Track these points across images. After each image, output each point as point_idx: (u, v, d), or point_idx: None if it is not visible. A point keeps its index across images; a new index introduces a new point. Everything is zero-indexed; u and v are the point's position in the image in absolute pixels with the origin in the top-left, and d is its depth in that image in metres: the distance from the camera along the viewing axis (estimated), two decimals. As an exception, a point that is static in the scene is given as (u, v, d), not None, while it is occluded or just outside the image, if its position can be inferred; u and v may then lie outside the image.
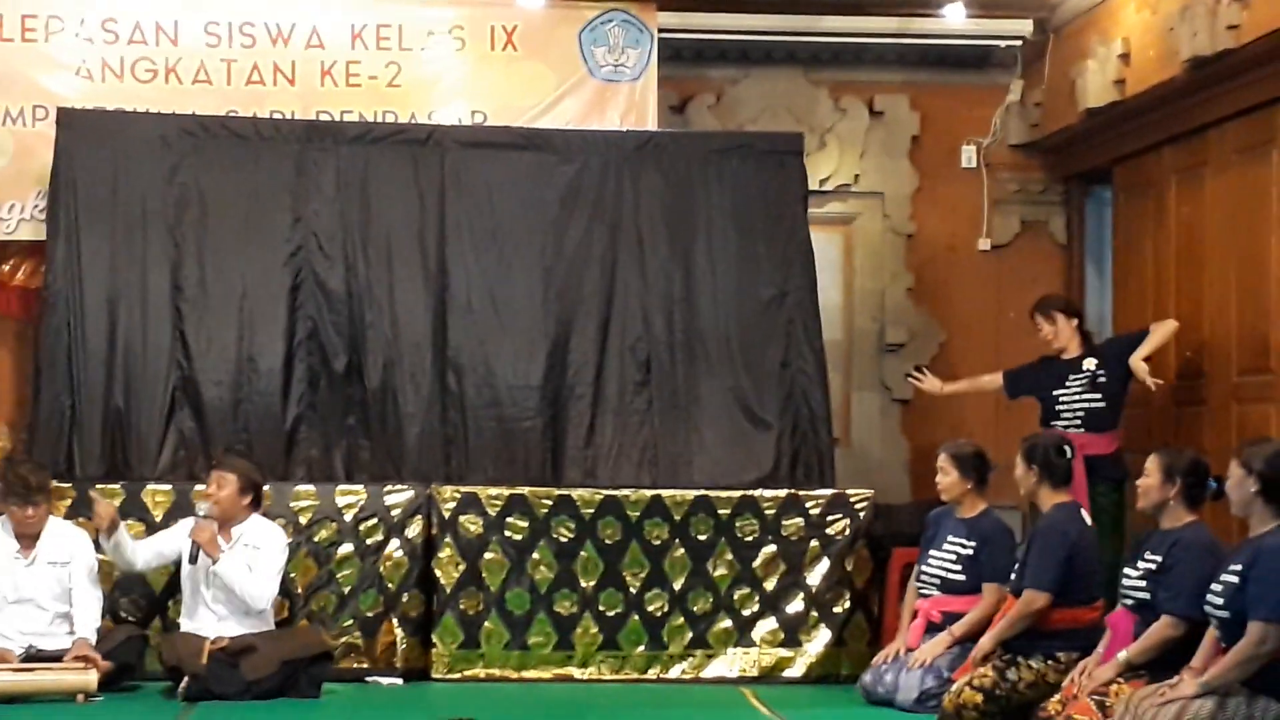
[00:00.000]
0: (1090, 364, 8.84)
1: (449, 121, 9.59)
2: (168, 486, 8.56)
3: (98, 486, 8.45)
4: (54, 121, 9.19)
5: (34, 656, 7.89)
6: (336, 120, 9.48)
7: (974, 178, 10.85)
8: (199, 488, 8.31)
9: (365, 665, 8.52)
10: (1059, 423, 8.77)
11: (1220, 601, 6.09)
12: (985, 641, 7.37)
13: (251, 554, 8.09)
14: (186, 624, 8.14)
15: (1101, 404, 8.77)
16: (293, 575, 8.42)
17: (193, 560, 8.03)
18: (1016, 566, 7.50)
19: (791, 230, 9.36)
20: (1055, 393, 8.87)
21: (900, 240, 10.85)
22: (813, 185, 9.89)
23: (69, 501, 8.40)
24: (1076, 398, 8.81)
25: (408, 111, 9.69)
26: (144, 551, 8.20)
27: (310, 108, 9.64)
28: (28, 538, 8.06)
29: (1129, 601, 6.80)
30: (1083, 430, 8.64)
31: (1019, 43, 10.63)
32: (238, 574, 8.01)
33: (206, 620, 8.06)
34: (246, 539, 8.12)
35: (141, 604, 8.45)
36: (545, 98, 9.84)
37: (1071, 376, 8.85)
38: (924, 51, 10.70)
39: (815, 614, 8.69)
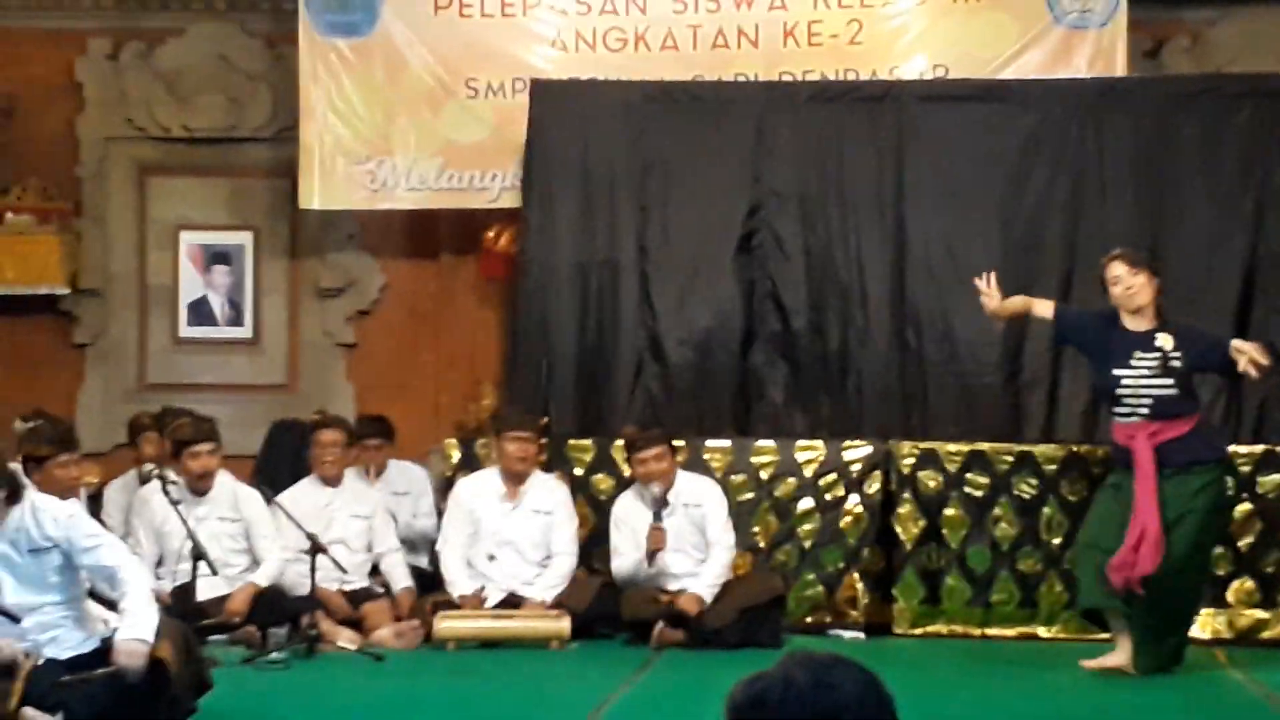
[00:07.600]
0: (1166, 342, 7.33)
1: (910, 77, 9.53)
2: (637, 443, 8.85)
3: (570, 442, 8.84)
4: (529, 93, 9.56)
5: (510, 602, 8.23)
6: (794, 81, 9.55)
7: None
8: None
9: (827, 619, 8.62)
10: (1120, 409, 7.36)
11: None
12: None
13: (697, 514, 8.25)
14: None
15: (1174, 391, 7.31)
16: (755, 529, 8.60)
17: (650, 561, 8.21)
18: None
19: (1267, 178, 8.92)
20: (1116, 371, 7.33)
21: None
22: (1298, 130, 9.39)
23: (544, 457, 8.77)
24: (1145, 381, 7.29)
25: (869, 69, 9.67)
26: None
27: (773, 69, 9.72)
28: (514, 484, 8.33)
29: None
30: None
31: None
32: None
33: None
34: (685, 499, 8.25)
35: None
36: (1008, 48, 9.63)
37: (1140, 353, 7.34)
38: None
39: (1296, 573, 8.31)
